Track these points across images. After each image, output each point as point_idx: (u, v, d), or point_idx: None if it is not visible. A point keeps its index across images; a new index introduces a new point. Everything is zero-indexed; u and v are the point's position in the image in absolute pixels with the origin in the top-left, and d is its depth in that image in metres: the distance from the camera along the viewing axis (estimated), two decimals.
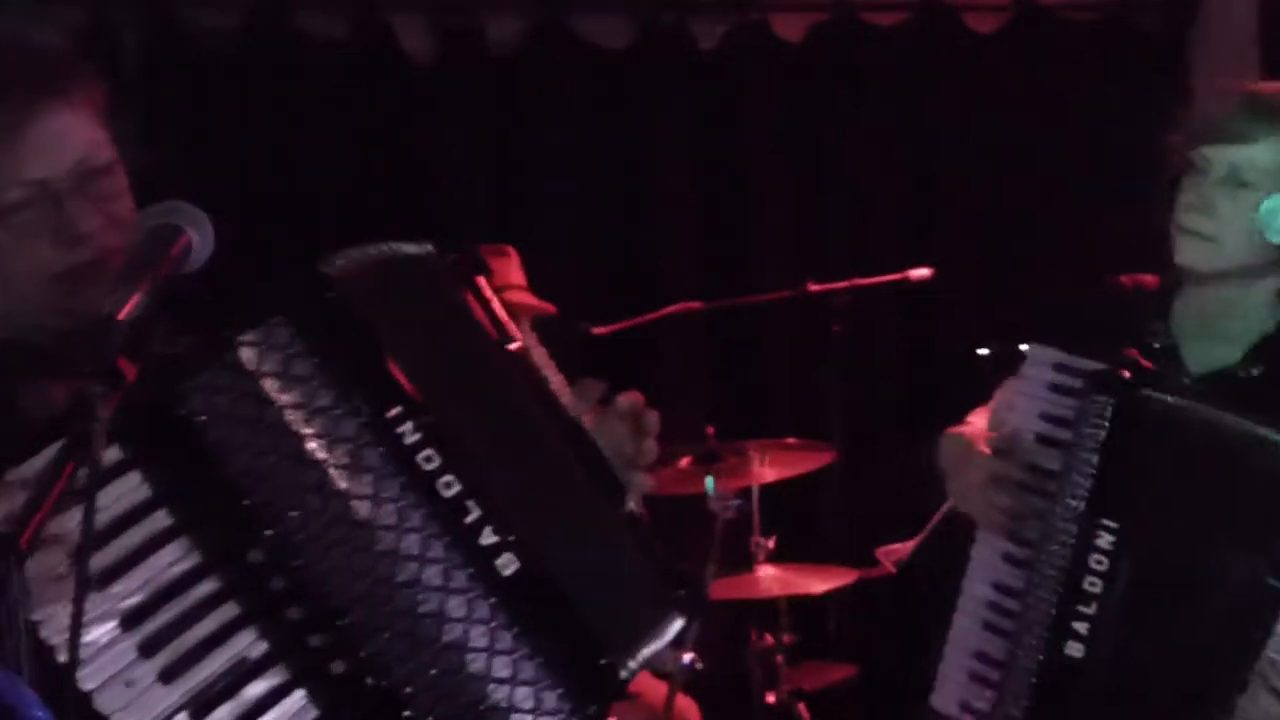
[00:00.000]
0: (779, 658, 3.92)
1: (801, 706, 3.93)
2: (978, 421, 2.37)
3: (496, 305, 1.78)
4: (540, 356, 1.79)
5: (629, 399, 1.85)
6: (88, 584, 1.39)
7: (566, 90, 4.70)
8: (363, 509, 1.59)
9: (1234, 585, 2.07)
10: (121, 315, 1.50)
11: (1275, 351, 2.30)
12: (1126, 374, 2.15)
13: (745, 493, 3.81)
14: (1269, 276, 2.29)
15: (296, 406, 1.59)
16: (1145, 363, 2.19)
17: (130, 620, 1.51)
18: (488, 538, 1.61)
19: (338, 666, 1.56)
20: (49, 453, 1.44)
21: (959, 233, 4.87)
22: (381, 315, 1.65)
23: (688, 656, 3.48)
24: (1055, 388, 2.20)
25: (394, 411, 1.61)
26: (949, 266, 4.27)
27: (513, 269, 3.86)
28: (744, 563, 3.88)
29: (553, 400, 1.77)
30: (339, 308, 1.62)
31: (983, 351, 3.34)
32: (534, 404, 1.76)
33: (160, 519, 1.54)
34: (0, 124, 1.61)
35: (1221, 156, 2.27)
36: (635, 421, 1.84)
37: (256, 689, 1.53)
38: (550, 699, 1.60)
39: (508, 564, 1.60)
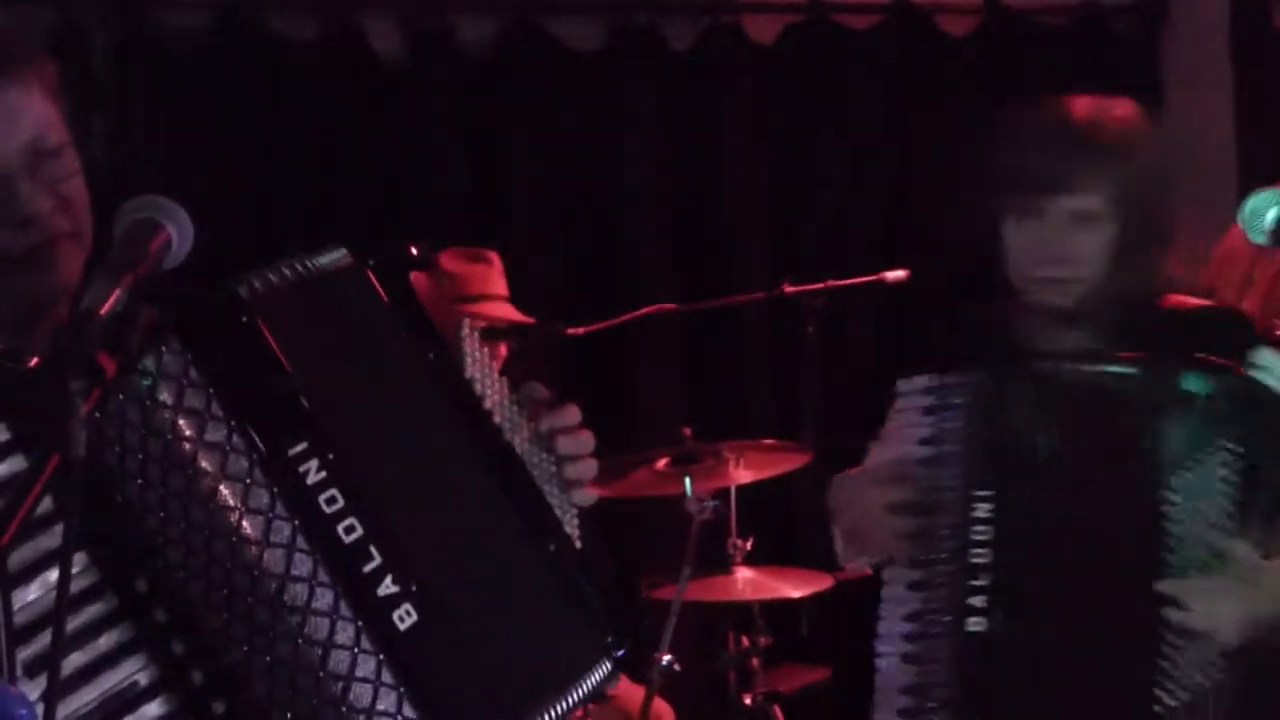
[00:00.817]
0: (755, 660, 3.91)
1: (777, 709, 3.93)
2: (868, 462, 2.41)
3: (421, 315, 1.67)
4: (479, 367, 1.69)
5: (566, 416, 1.75)
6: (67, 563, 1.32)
7: (540, 92, 4.69)
8: (250, 552, 1.50)
9: (1123, 517, 2.14)
10: (103, 310, 1.48)
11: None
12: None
13: (723, 494, 3.80)
14: None
15: (190, 440, 1.51)
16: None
17: (15, 637, 1.39)
18: (387, 588, 1.53)
19: (218, 706, 1.48)
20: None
21: (935, 234, 4.88)
22: (292, 342, 1.56)
23: (665, 658, 3.46)
24: (929, 410, 2.25)
25: (297, 449, 1.53)
26: (924, 269, 4.27)
27: (494, 276, 3.84)
28: (721, 565, 3.87)
29: (479, 424, 1.67)
30: (243, 335, 1.54)
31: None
32: (455, 433, 1.66)
33: (57, 533, 1.43)
34: None
35: (1057, 205, 2.26)
36: (573, 439, 1.74)
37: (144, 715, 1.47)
38: None
39: (405, 616, 1.53)
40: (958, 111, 4.88)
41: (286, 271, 1.60)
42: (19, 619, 1.39)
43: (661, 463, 3.83)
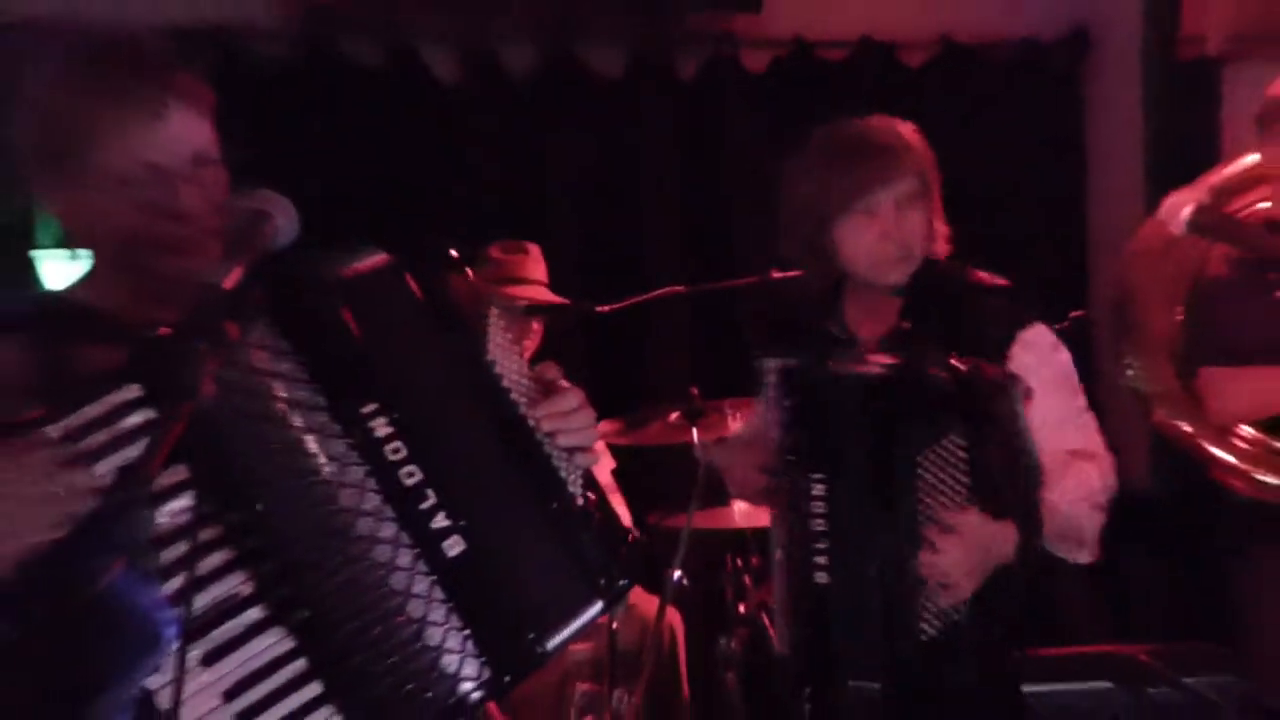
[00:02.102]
0: (747, 577, 3.92)
1: (764, 616, 3.94)
2: (743, 427, 2.43)
3: (452, 308, 1.66)
4: (501, 349, 1.67)
5: (571, 397, 1.70)
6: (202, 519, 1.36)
7: (571, 110, 4.70)
8: (328, 490, 1.52)
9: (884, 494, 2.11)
10: (228, 285, 1.49)
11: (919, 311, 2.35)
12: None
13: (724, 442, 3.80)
14: None
15: (280, 399, 1.52)
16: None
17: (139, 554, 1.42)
18: (439, 522, 1.55)
19: (302, 614, 1.50)
20: (92, 409, 1.40)
21: None
22: (361, 321, 1.58)
23: (676, 575, 3.47)
24: (777, 388, 2.22)
25: (368, 408, 1.55)
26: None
27: (533, 264, 3.84)
28: (721, 499, 3.87)
29: (497, 399, 1.65)
30: (323, 309, 1.57)
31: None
32: (478, 406, 1.64)
33: (179, 472, 1.45)
34: (142, 115, 1.58)
35: (886, 195, 2.31)
36: (577, 413, 1.69)
37: (240, 623, 1.48)
38: (472, 666, 1.53)
39: (454, 546, 1.55)
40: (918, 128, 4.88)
41: (364, 262, 1.63)
42: (164, 529, 1.41)
43: (673, 416, 3.83)
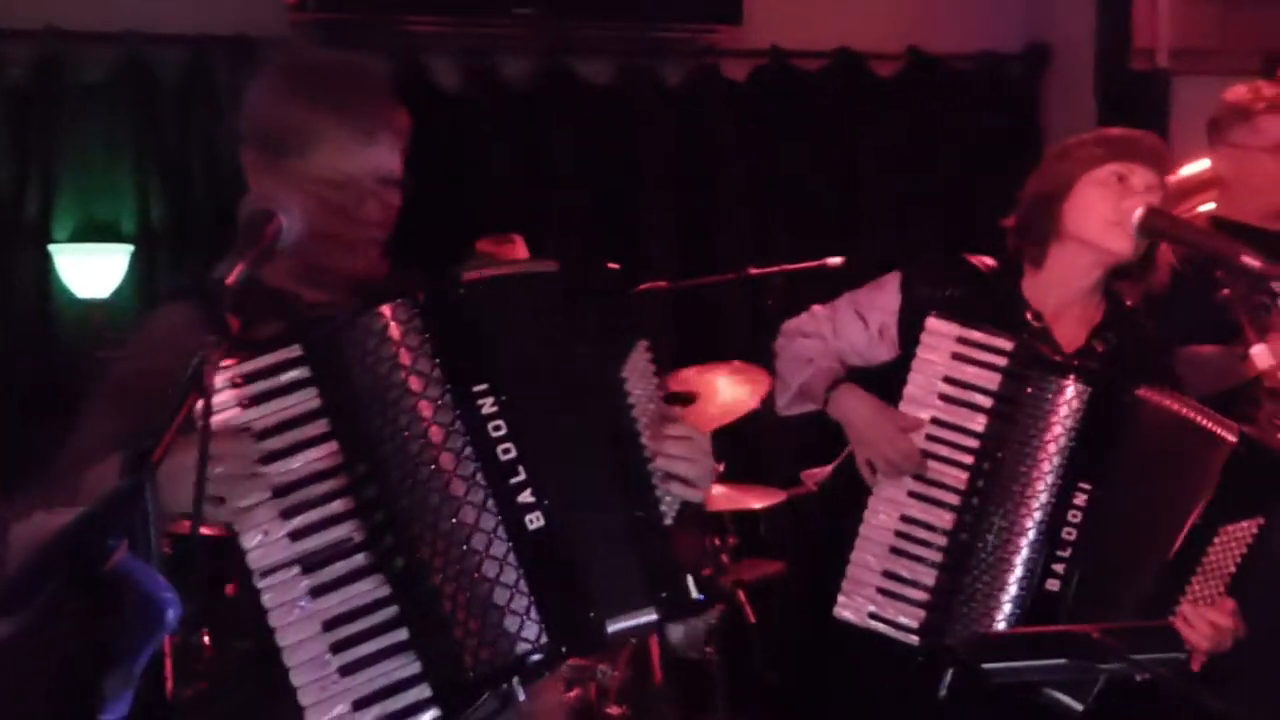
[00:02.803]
0: (725, 555, 3.90)
1: (741, 592, 3.92)
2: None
3: (603, 319, 1.66)
4: (637, 373, 1.65)
5: (691, 435, 1.67)
6: (204, 483, 1.37)
7: (565, 116, 4.66)
8: (433, 453, 1.56)
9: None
10: (230, 281, 1.47)
11: (1112, 330, 2.22)
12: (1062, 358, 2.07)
13: None
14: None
15: (405, 368, 1.57)
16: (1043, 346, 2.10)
17: (280, 491, 1.52)
18: (525, 498, 1.57)
19: (399, 561, 1.55)
20: (264, 359, 1.52)
21: (868, 229, 4.86)
22: (490, 314, 1.61)
23: None
24: (957, 356, 2.09)
25: (479, 387, 1.58)
26: (858, 256, 4.25)
27: (519, 254, 3.81)
28: None
29: (619, 412, 1.64)
30: (456, 300, 1.61)
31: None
32: (598, 413, 1.64)
33: (321, 425, 1.54)
34: (357, 134, 1.67)
35: (1146, 177, 2.15)
36: (687, 446, 1.66)
37: (348, 565, 1.54)
38: (531, 630, 1.55)
39: (534, 520, 1.57)
40: (884, 134, 4.88)
41: (505, 266, 1.69)
42: (287, 478, 1.52)
43: None
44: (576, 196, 4.66)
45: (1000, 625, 2.01)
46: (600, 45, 4.72)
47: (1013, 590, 2.02)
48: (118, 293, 4.33)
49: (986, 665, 1.73)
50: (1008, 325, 2.12)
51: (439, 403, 1.56)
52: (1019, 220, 2.26)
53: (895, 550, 2.09)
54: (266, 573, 1.51)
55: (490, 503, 1.55)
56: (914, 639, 2.06)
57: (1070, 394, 2.02)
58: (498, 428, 1.57)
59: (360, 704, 1.51)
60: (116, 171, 4.39)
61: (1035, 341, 2.11)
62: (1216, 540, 2.03)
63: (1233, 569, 2.01)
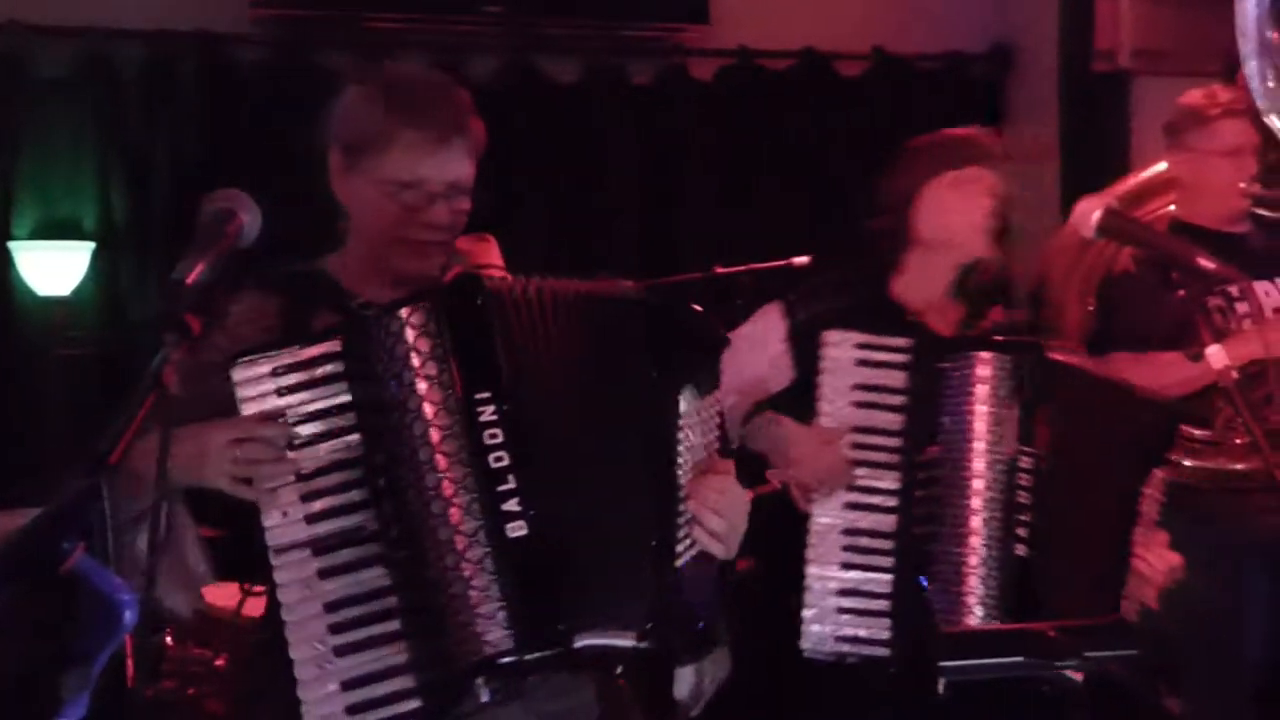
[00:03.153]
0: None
1: None
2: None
3: (680, 355, 1.65)
4: (699, 416, 1.65)
5: (729, 488, 1.66)
6: (165, 473, 1.41)
7: (532, 115, 4.65)
8: (429, 453, 1.59)
9: None
10: (189, 280, 1.47)
11: (976, 322, 2.30)
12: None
13: None
14: None
15: (416, 369, 1.60)
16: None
17: (303, 476, 1.59)
18: (510, 506, 1.59)
19: (401, 554, 1.59)
20: (304, 352, 1.59)
21: (834, 227, 4.87)
22: (509, 324, 1.62)
23: None
24: (861, 363, 2.12)
25: (482, 395, 1.60)
26: (824, 255, 4.27)
27: (493, 252, 3.81)
28: None
29: (661, 448, 1.62)
30: (474, 309, 1.62)
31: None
32: (635, 443, 1.63)
33: (349, 418, 1.60)
34: (429, 140, 1.73)
35: (990, 175, 2.29)
36: (720, 497, 1.66)
37: (356, 553, 1.60)
38: (497, 634, 1.57)
39: (516, 529, 1.58)
40: (850, 133, 4.90)
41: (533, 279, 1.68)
42: (312, 465, 1.58)
43: None
44: (542, 195, 4.66)
45: (975, 603, 2.02)
46: (567, 44, 4.73)
47: (980, 569, 2.03)
48: (79, 290, 4.30)
49: (943, 664, 1.74)
50: (892, 326, 2.18)
51: (441, 406, 1.59)
52: (879, 226, 2.33)
53: (848, 565, 2.09)
54: (280, 551, 1.58)
55: (475, 507, 1.58)
56: (884, 651, 2.07)
57: (985, 366, 2.06)
58: (494, 435, 1.59)
59: (348, 685, 1.57)
60: (78, 168, 4.36)
61: (925, 335, 2.18)
62: (1146, 491, 2.08)
63: (1156, 515, 2.07)
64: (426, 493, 1.58)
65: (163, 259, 4.32)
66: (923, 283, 2.29)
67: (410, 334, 1.59)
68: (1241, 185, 2.92)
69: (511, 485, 1.58)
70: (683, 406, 1.63)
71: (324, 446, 1.59)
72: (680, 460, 1.62)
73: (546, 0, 4.63)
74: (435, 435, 1.58)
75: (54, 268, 4.27)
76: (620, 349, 1.65)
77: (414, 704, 1.56)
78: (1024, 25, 4.99)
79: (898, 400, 2.09)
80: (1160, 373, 2.82)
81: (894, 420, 2.09)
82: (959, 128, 2.37)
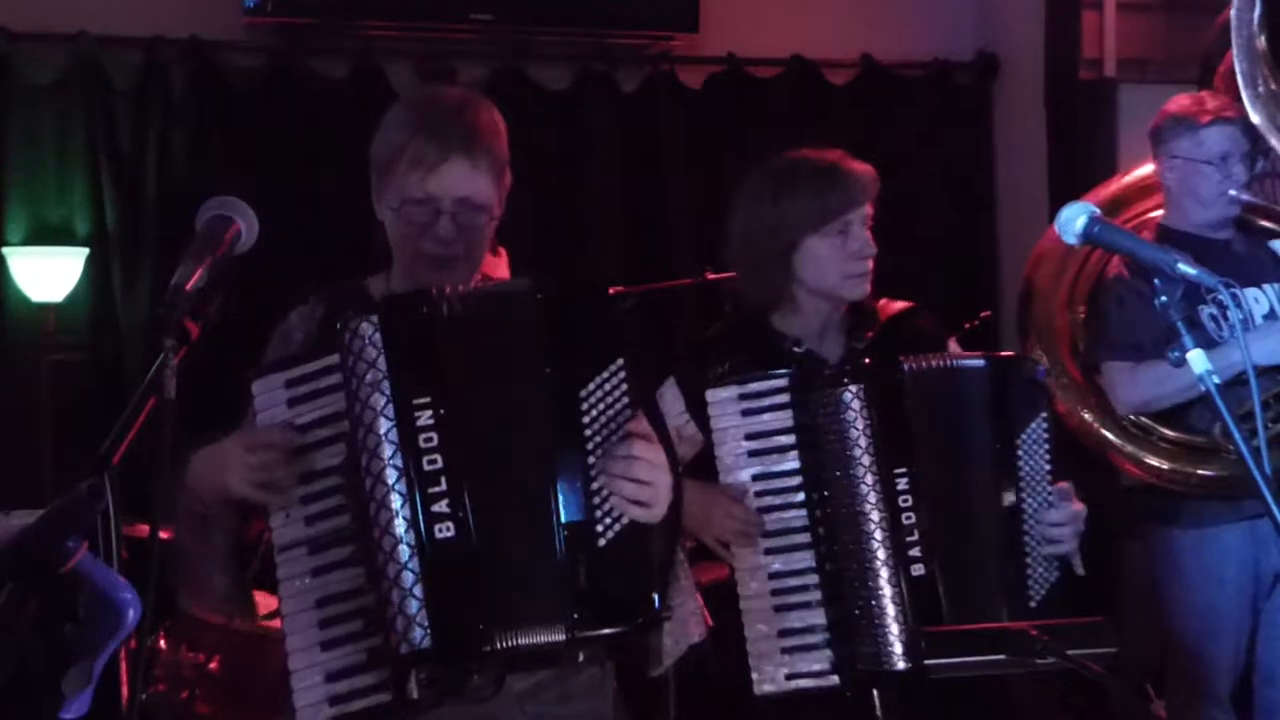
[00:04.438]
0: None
1: (698, 596, 3.93)
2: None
3: (585, 343, 1.69)
4: (607, 391, 1.67)
5: (643, 453, 1.67)
6: (171, 482, 1.54)
7: (521, 121, 4.63)
8: (367, 455, 1.64)
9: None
10: (188, 286, 1.50)
11: (864, 330, 2.37)
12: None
13: None
14: None
15: (358, 375, 1.66)
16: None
17: (305, 479, 1.69)
18: (440, 508, 1.63)
19: (370, 554, 1.66)
20: (316, 364, 1.69)
21: None
22: (450, 333, 1.68)
23: None
24: (746, 413, 2.16)
25: (420, 400, 1.65)
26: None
27: (501, 266, 3.82)
28: None
29: (567, 430, 1.67)
30: (417, 320, 1.68)
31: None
32: (541, 431, 1.68)
33: (342, 426, 1.69)
34: (430, 155, 1.80)
35: (857, 215, 2.33)
36: (632, 465, 1.67)
37: (341, 553, 1.69)
38: (417, 633, 1.61)
39: (444, 530, 1.63)
40: (838, 141, 4.92)
41: (476, 289, 1.76)
42: (312, 469, 1.69)
43: None
44: (531, 201, 4.67)
45: (893, 625, 2.06)
46: (556, 51, 4.74)
47: (888, 591, 2.07)
48: (72, 296, 4.31)
49: (929, 661, 1.77)
50: (776, 360, 2.24)
51: (378, 408, 1.64)
52: (747, 273, 2.39)
53: (780, 608, 2.13)
54: (283, 549, 1.69)
55: (405, 509, 1.63)
56: (834, 679, 2.11)
57: (850, 397, 2.11)
58: (429, 439, 1.64)
59: (330, 677, 1.67)
60: (70, 174, 4.37)
61: (807, 365, 2.25)
62: (1020, 450, 2.16)
63: (1048, 466, 2.16)
64: (367, 497, 1.64)
65: (156, 265, 4.33)
66: (809, 316, 2.35)
67: (364, 345, 1.66)
68: (1231, 193, 2.95)
69: (442, 487, 1.63)
70: (582, 391, 1.66)
71: (323, 452, 1.68)
72: (587, 443, 1.65)
73: (536, 9, 4.65)
74: (372, 440, 1.64)
75: (47, 274, 4.28)
76: (515, 343, 1.70)
77: (384, 697, 1.65)
78: (1010, 34, 5.02)
79: (789, 440, 2.15)
80: (1159, 383, 2.85)
81: (790, 460, 2.15)
82: (822, 151, 2.41)
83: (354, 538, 1.67)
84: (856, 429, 2.09)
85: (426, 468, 1.63)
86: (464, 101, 1.87)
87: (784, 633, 2.13)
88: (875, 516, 2.08)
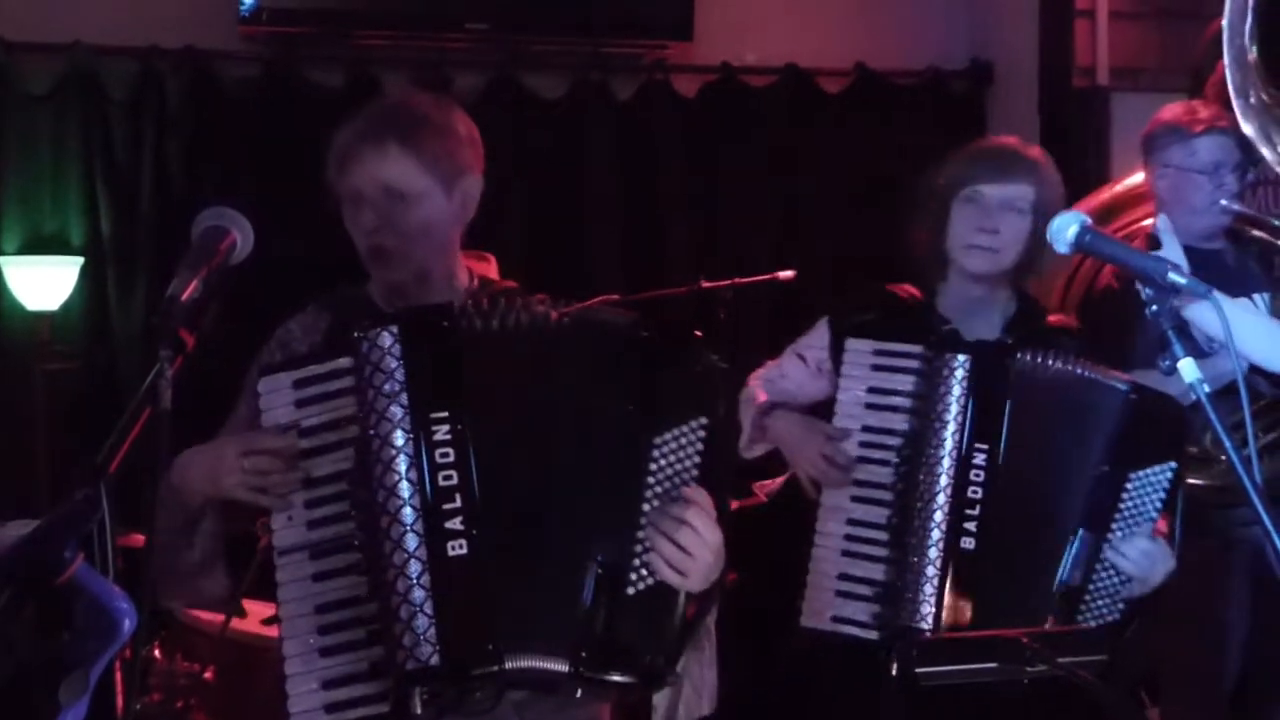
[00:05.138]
0: None
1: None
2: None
3: (662, 384, 1.65)
4: (676, 447, 1.64)
5: (698, 523, 1.62)
6: (155, 492, 1.45)
7: (518, 130, 4.68)
8: (380, 468, 1.63)
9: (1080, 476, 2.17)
10: (183, 296, 1.50)
11: (1021, 326, 2.40)
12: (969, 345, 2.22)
13: None
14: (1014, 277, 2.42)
15: (375, 387, 1.64)
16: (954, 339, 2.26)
17: (309, 484, 1.67)
18: (454, 525, 1.61)
19: (369, 564, 1.65)
20: (327, 366, 1.68)
21: (817, 242, 4.92)
22: (476, 347, 1.66)
23: None
24: (876, 368, 2.25)
25: (438, 414, 1.63)
26: (808, 269, 4.31)
27: (490, 271, 3.82)
28: None
29: (622, 473, 1.63)
30: (440, 332, 1.66)
31: None
32: (596, 463, 1.64)
33: (351, 430, 1.67)
34: (362, 151, 1.80)
35: (996, 191, 2.36)
36: (682, 531, 1.63)
37: (344, 560, 1.68)
38: (425, 650, 1.59)
39: (456, 548, 1.61)
40: (832, 149, 4.94)
41: (501, 305, 1.70)
42: (316, 474, 1.67)
43: None
44: (526, 210, 4.68)
45: (928, 590, 2.12)
46: (551, 60, 4.75)
47: (933, 555, 2.14)
48: (67, 305, 4.32)
49: (919, 670, 1.79)
50: (920, 328, 2.32)
51: (396, 420, 1.62)
52: (919, 259, 2.46)
53: (847, 553, 2.22)
54: (284, 552, 1.66)
55: (418, 524, 1.60)
56: (874, 634, 2.18)
57: (957, 366, 2.19)
58: (445, 455, 1.62)
59: (326, 685, 1.65)
60: (66, 183, 4.38)
61: (945, 339, 2.29)
62: (1129, 486, 2.17)
63: (1154, 513, 2.17)
64: (379, 506, 1.62)
65: (151, 275, 4.34)
66: (960, 292, 2.42)
67: (380, 354, 1.64)
68: (1223, 202, 2.96)
69: (456, 504, 1.61)
70: (657, 438, 1.62)
71: (329, 457, 1.66)
72: (646, 490, 1.62)
73: (531, 18, 4.66)
74: (388, 452, 1.62)
75: (42, 283, 4.28)
76: (597, 379, 1.66)
77: (381, 708, 1.62)
78: (1004, 42, 5.04)
79: (904, 403, 2.23)
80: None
81: (899, 421, 2.22)
82: (998, 138, 2.55)
83: (360, 546, 1.65)
84: (951, 397, 2.16)
85: (442, 483, 1.61)
86: (419, 101, 1.87)
87: (843, 576, 2.20)
88: (943, 482, 2.14)
